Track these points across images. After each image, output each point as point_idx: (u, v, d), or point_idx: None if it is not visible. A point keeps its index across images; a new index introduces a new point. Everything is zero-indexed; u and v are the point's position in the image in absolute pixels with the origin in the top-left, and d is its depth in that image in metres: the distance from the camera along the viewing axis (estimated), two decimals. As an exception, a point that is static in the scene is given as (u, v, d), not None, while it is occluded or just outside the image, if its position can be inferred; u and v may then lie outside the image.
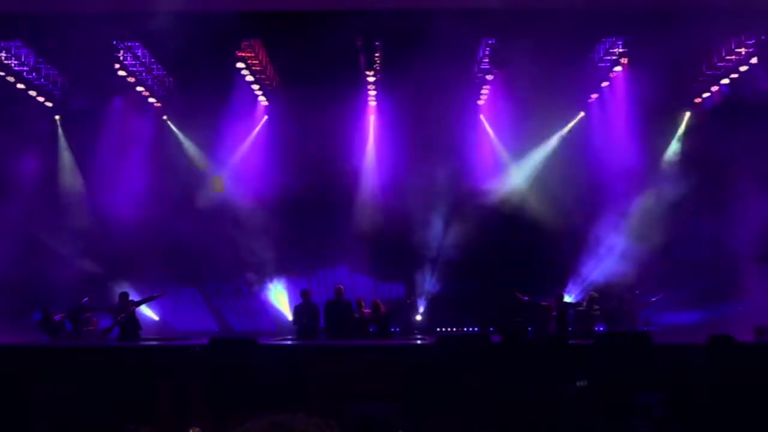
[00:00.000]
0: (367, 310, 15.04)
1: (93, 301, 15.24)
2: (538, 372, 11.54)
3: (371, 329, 14.97)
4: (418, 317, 18.00)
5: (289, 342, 14.09)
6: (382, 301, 15.53)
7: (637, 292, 15.24)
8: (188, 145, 18.49)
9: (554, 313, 14.96)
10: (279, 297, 17.85)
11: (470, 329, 17.67)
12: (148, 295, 15.40)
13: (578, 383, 11.40)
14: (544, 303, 15.22)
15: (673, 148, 18.19)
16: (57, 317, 14.73)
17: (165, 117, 18.54)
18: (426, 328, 17.54)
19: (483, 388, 11.64)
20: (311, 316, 14.88)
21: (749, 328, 13.69)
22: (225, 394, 11.52)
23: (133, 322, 14.66)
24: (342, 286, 15.36)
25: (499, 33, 14.94)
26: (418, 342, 14.97)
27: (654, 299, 15.46)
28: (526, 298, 15.48)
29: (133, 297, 15.07)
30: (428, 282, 17.96)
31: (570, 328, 14.90)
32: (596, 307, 15.07)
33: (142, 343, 14.37)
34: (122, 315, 14.50)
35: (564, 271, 17.01)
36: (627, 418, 8.02)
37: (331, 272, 16.07)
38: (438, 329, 17.42)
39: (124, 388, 11.66)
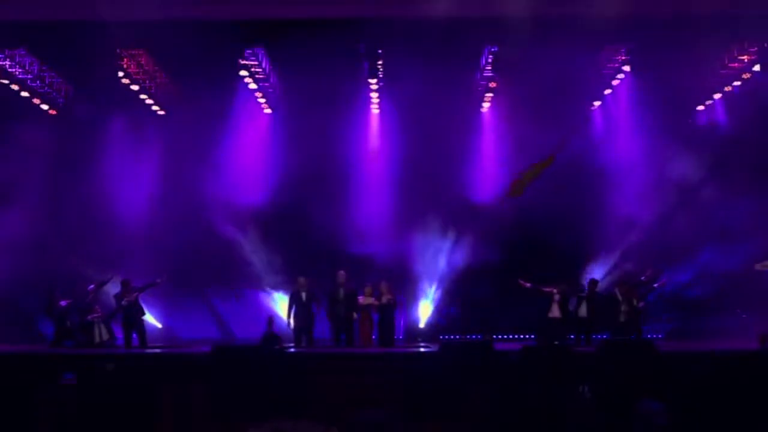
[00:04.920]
0: (372, 298, 15.03)
1: (97, 289, 15.34)
2: (541, 379, 11.52)
3: (374, 317, 14.95)
4: (422, 325, 17.98)
5: (291, 349, 14.08)
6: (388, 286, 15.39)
7: (642, 278, 15.35)
8: (191, 152, 18.51)
9: (557, 298, 15.15)
10: (281, 304, 17.83)
11: (473, 337, 17.65)
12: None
13: (581, 391, 11.38)
14: (546, 289, 15.40)
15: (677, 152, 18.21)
16: (63, 303, 14.86)
17: (168, 124, 18.57)
18: (429, 335, 17.53)
19: (485, 396, 11.62)
20: (304, 305, 14.89)
21: (754, 335, 13.67)
22: (227, 401, 11.51)
23: (136, 307, 14.92)
24: (344, 272, 15.34)
25: (502, 40, 14.96)
26: (421, 349, 14.95)
27: (656, 284, 15.57)
28: (529, 285, 15.66)
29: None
30: (431, 289, 17.95)
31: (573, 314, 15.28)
32: (598, 292, 15.47)
33: (145, 350, 14.41)
34: (126, 299, 14.77)
35: (570, 275, 16.97)
36: (629, 427, 7.99)
37: (332, 279, 15.98)
38: (441, 337, 17.40)
39: (127, 395, 11.66)
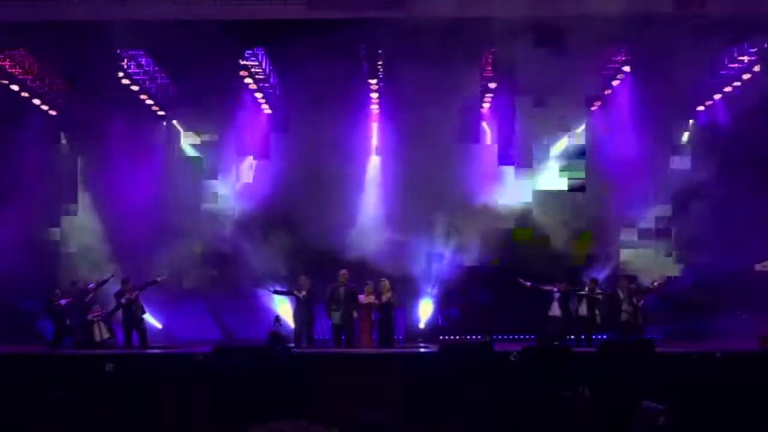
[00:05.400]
0: (372, 296, 15.00)
1: (97, 288, 15.38)
2: (541, 380, 11.52)
3: (375, 317, 14.92)
4: (421, 325, 17.97)
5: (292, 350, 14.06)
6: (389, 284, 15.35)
7: (651, 284, 15.37)
8: (192, 152, 18.53)
9: (557, 296, 15.14)
10: (281, 304, 17.81)
11: (473, 337, 17.63)
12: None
13: (581, 391, 11.37)
14: (546, 287, 15.39)
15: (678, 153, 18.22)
16: (63, 301, 14.88)
17: (167, 124, 18.57)
18: (429, 336, 17.51)
19: (485, 396, 11.61)
20: (304, 304, 14.87)
21: (753, 336, 13.68)
22: (228, 401, 11.51)
23: (136, 305, 14.97)
24: (345, 270, 15.34)
25: (502, 41, 14.96)
26: (421, 350, 14.94)
27: (656, 283, 15.54)
28: (529, 283, 15.70)
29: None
30: (431, 290, 17.93)
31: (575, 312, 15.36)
32: (598, 291, 15.54)
33: (146, 351, 14.42)
34: (126, 297, 14.85)
35: (570, 275, 16.97)
36: (629, 427, 8.00)
37: (333, 281, 15.97)
38: (441, 337, 17.39)
39: (128, 395, 11.66)
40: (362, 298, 15.02)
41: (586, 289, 15.51)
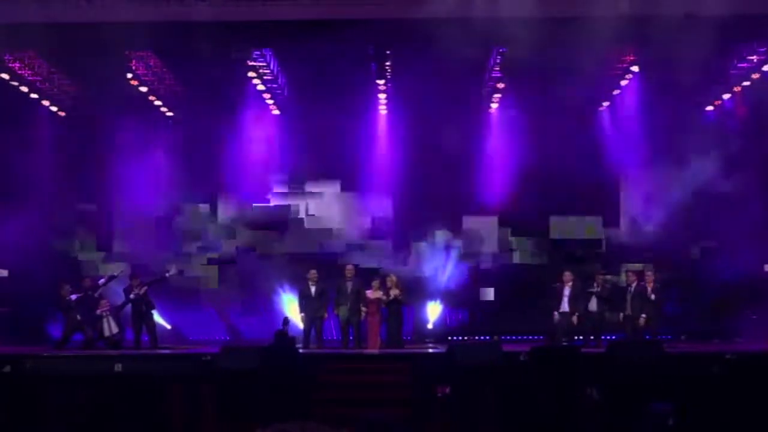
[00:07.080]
0: (380, 291, 14.94)
1: (107, 283, 15.46)
2: (550, 380, 11.49)
3: (383, 312, 14.86)
4: (430, 325, 17.95)
5: (300, 350, 14.06)
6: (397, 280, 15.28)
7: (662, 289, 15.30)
8: (200, 153, 18.56)
9: (567, 293, 15.13)
10: (290, 304, 17.81)
11: (482, 338, 17.60)
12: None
13: (590, 392, 11.34)
14: (555, 284, 15.35)
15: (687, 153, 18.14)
16: (74, 296, 14.93)
17: (175, 125, 18.61)
18: (437, 336, 17.48)
19: (494, 396, 11.60)
20: (313, 299, 14.90)
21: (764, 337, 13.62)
22: (235, 402, 11.53)
23: (145, 301, 15.02)
24: (352, 266, 15.29)
25: (511, 41, 14.94)
26: (430, 350, 14.92)
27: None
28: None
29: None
30: (439, 291, 17.91)
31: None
32: (607, 287, 15.47)
33: (154, 351, 14.45)
34: (134, 293, 14.91)
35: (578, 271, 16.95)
36: (639, 428, 7.99)
37: (339, 281, 15.96)
38: (449, 338, 17.34)
39: (136, 395, 11.69)
40: (369, 294, 14.89)
41: (595, 285, 15.44)
